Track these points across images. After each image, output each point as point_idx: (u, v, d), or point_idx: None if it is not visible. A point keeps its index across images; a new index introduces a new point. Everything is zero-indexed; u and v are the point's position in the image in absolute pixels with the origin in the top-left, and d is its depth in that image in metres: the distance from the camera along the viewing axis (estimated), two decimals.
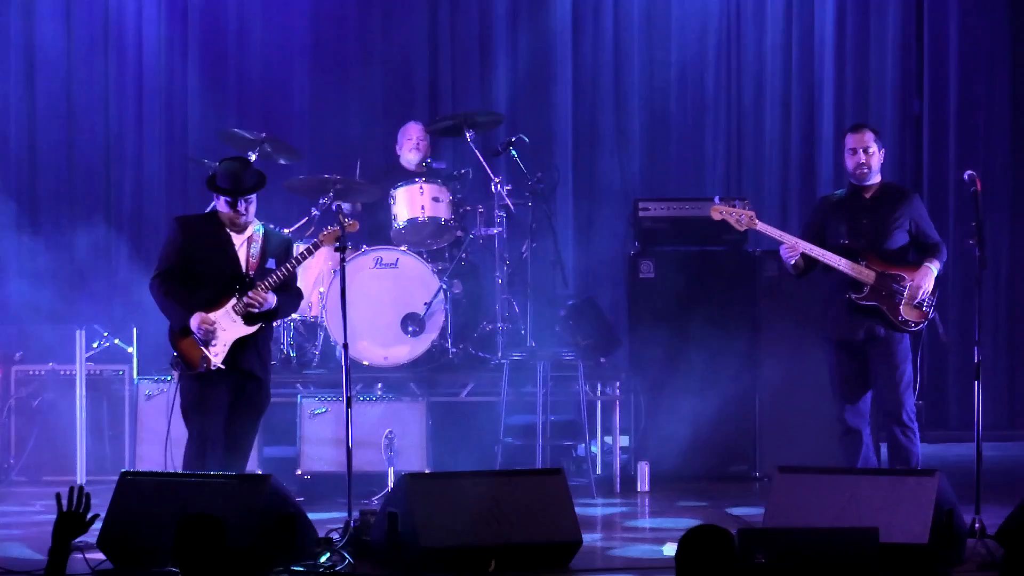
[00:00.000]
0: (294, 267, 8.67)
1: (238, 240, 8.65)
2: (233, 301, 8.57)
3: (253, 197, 8.63)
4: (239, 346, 8.57)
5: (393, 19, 13.33)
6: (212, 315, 8.54)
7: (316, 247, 8.83)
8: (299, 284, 11.04)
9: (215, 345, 8.53)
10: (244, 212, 8.58)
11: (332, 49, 13.30)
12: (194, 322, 8.53)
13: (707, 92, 13.50)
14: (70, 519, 5.79)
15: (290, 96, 13.27)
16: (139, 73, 13.05)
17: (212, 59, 13.17)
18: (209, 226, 8.69)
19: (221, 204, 8.62)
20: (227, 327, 8.57)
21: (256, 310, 8.56)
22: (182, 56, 13.13)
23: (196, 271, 8.62)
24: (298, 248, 9.11)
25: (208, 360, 8.52)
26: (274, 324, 9.12)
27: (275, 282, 8.59)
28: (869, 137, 9.24)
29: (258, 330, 8.61)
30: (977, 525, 8.26)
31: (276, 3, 13.24)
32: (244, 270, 8.61)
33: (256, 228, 8.71)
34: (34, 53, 12.93)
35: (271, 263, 8.66)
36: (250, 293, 8.53)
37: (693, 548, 5.59)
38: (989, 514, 8.33)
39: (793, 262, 9.17)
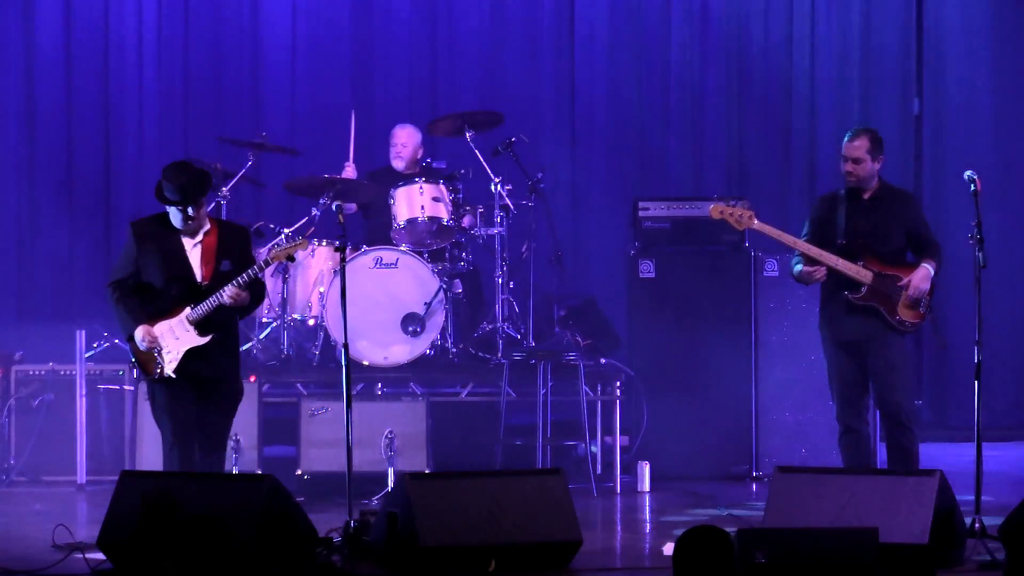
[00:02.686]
0: (251, 277, 8.53)
1: (190, 243, 8.52)
2: (187, 311, 8.49)
3: (201, 202, 8.50)
4: (194, 355, 8.52)
5: (393, 18, 13.33)
6: (165, 323, 8.46)
7: (267, 264, 8.71)
8: (297, 284, 11.15)
9: (169, 353, 8.49)
10: (195, 216, 8.50)
11: (332, 49, 13.30)
12: (138, 334, 8.48)
13: (707, 92, 13.51)
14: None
15: (290, 96, 13.27)
16: (139, 73, 13.05)
17: (212, 59, 13.17)
18: (162, 230, 8.54)
19: (172, 213, 8.50)
20: (180, 336, 8.48)
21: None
22: (182, 57, 13.14)
23: (150, 278, 8.53)
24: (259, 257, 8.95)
25: (162, 368, 8.50)
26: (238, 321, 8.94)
27: (229, 297, 8.48)
28: (860, 148, 9.20)
29: (211, 339, 8.54)
30: (977, 525, 8.25)
31: (276, 3, 13.24)
32: (199, 279, 8.53)
33: (206, 229, 8.59)
34: (34, 53, 12.93)
35: (225, 264, 8.54)
36: (227, 293, 8.43)
37: (691, 549, 5.60)
38: (989, 514, 8.33)
39: (818, 278, 9.15)
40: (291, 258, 8.78)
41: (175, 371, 8.47)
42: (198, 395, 8.53)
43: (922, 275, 9.16)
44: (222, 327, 8.55)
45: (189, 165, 8.60)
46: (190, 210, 8.43)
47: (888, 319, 9.13)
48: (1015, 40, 13.62)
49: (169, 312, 8.50)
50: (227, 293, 8.41)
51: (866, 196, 9.27)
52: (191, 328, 8.48)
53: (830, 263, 9.13)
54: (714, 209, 9.37)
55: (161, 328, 8.49)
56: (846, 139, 9.30)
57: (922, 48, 13.60)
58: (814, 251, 9.14)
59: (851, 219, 9.24)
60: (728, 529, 7.31)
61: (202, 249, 8.53)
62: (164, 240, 8.52)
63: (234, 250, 8.58)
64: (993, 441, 12.09)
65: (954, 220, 13.03)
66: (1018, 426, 13.34)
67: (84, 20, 13.02)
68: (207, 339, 8.48)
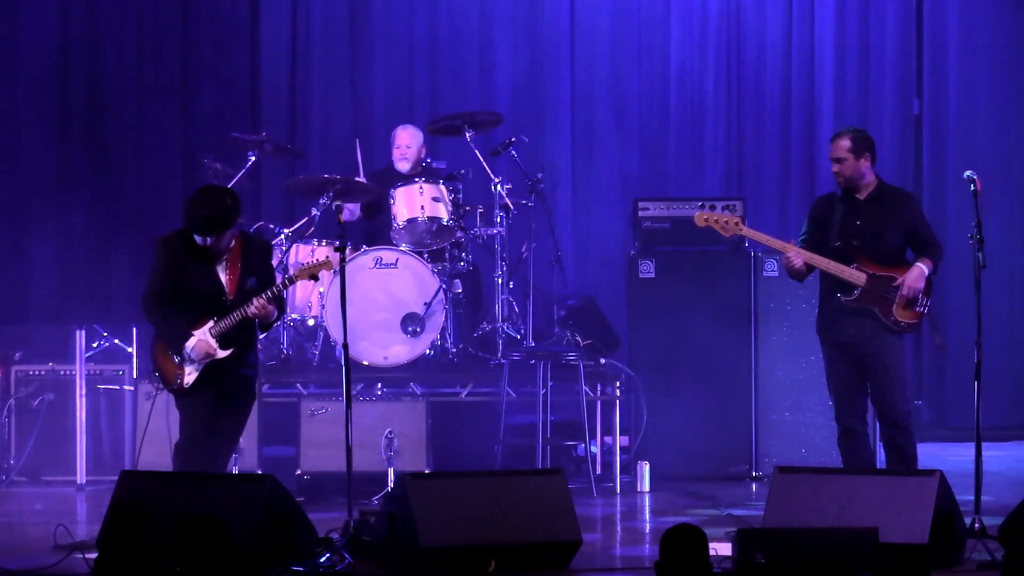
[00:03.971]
0: (277, 292, 8.55)
1: (216, 259, 8.55)
2: (211, 324, 8.50)
3: (226, 231, 8.48)
4: (215, 367, 8.52)
5: (393, 18, 13.33)
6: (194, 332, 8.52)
7: (292, 281, 8.75)
8: (297, 284, 11.12)
9: (191, 364, 8.51)
10: (215, 244, 8.46)
11: (332, 48, 13.29)
12: (196, 350, 8.48)
13: (707, 92, 13.51)
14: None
15: (290, 96, 13.26)
16: (140, 72, 13.04)
17: (213, 59, 13.16)
18: (190, 245, 8.53)
19: (196, 236, 8.49)
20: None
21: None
22: (183, 56, 13.12)
23: (178, 291, 8.54)
24: (278, 275, 9.02)
25: (181, 378, 8.51)
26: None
27: (257, 308, 8.49)
28: (842, 147, 9.22)
29: (232, 353, 8.56)
30: (977, 525, 8.26)
31: (276, 3, 13.23)
32: (225, 295, 8.55)
33: (230, 245, 8.58)
34: (33, 52, 12.91)
35: (251, 282, 8.55)
36: (255, 305, 8.45)
37: (670, 549, 5.62)
38: (989, 514, 8.33)
39: (797, 266, 9.17)
40: (315, 277, 8.81)
41: (194, 382, 8.49)
42: (217, 403, 8.57)
43: (915, 275, 9.15)
44: (244, 342, 8.57)
45: (218, 195, 8.53)
46: (209, 240, 8.42)
47: (884, 320, 9.12)
48: (1015, 40, 13.62)
49: (193, 325, 8.51)
50: (254, 305, 8.42)
51: (862, 197, 9.27)
52: (213, 342, 8.50)
53: (822, 266, 9.14)
54: (699, 217, 9.39)
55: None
56: (830, 140, 9.36)
57: (922, 48, 13.60)
58: (805, 254, 9.13)
59: (846, 220, 9.23)
60: (728, 529, 7.32)
61: (227, 266, 8.54)
62: (191, 256, 8.52)
63: (258, 266, 8.61)
64: (993, 441, 12.09)
65: (954, 220, 13.04)
66: (1018, 426, 13.34)
67: (83, 19, 13.00)
68: (228, 352, 8.50)
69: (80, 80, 13.01)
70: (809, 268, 9.24)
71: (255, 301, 8.43)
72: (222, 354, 8.51)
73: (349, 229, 11.48)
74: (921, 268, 9.16)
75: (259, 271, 8.61)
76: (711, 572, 5.80)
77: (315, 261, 8.88)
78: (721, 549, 7.54)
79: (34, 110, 12.95)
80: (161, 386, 8.70)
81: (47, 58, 12.94)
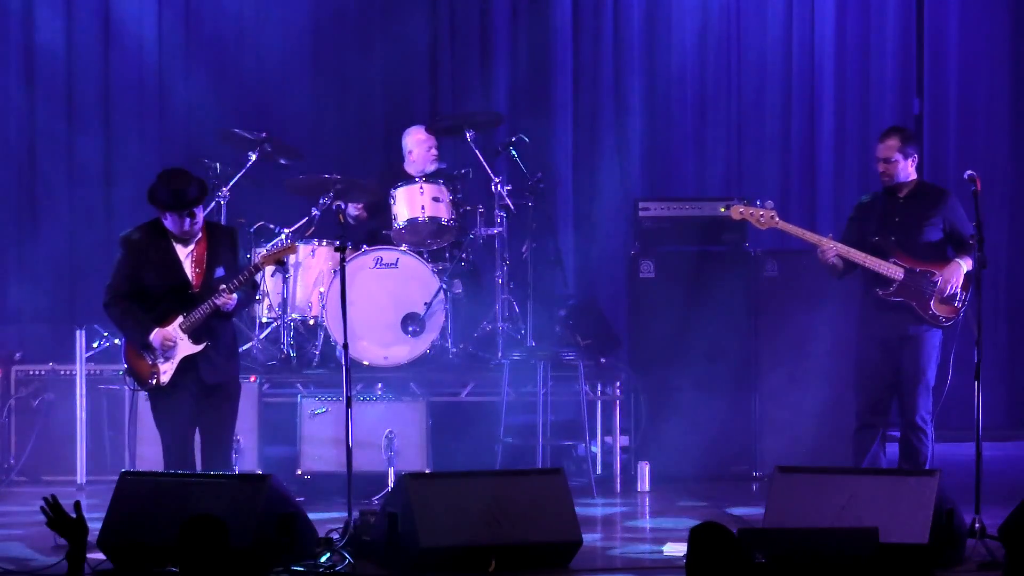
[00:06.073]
0: (242, 282, 8.54)
1: (184, 251, 8.51)
2: (180, 319, 8.47)
3: (199, 208, 8.49)
4: (191, 362, 8.50)
5: (393, 18, 13.32)
6: (160, 332, 8.50)
7: (257, 269, 8.72)
8: (297, 284, 11.15)
9: (163, 363, 8.48)
10: (190, 226, 8.47)
11: (332, 48, 13.29)
12: (156, 339, 8.47)
13: (707, 92, 13.50)
14: (66, 525, 5.77)
15: (290, 96, 13.25)
16: (140, 73, 13.03)
17: (212, 59, 13.16)
18: (154, 238, 8.52)
19: (167, 219, 8.47)
20: (175, 344, 8.52)
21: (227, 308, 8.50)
22: (183, 56, 13.12)
23: (144, 287, 8.52)
24: (250, 260, 9.00)
25: (157, 377, 8.48)
26: (234, 319, 8.93)
27: (222, 301, 8.46)
28: (891, 147, 9.36)
29: (207, 345, 8.53)
30: (977, 525, 8.27)
31: (276, 2, 13.23)
32: (191, 288, 8.52)
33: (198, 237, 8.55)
34: (34, 52, 12.91)
35: (219, 272, 8.54)
36: (219, 299, 8.41)
37: (704, 543, 5.63)
38: (989, 514, 8.33)
39: (832, 263, 9.25)
40: (280, 263, 8.80)
41: (170, 380, 8.47)
42: (199, 400, 8.53)
43: (952, 270, 9.25)
44: (216, 333, 8.54)
45: (186, 173, 8.58)
46: (187, 222, 8.40)
47: (921, 314, 9.22)
48: (1015, 40, 13.62)
49: (163, 321, 8.49)
50: (219, 299, 8.41)
51: (901, 195, 9.40)
52: (185, 336, 8.48)
53: (859, 260, 9.25)
54: (735, 210, 9.50)
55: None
56: (878, 140, 9.47)
57: (922, 48, 13.60)
58: (841, 248, 9.26)
59: (885, 217, 9.37)
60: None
61: (194, 256, 8.51)
62: (157, 249, 8.50)
63: (225, 254, 8.58)
64: (993, 441, 12.09)
65: None
66: (1018, 426, 13.34)
67: (85, 19, 13.00)
68: (201, 347, 8.48)
69: (83, 80, 13.00)
70: (848, 266, 9.31)
71: (219, 295, 8.40)
72: (195, 348, 8.49)
73: (355, 229, 11.52)
74: (959, 264, 9.27)
75: (226, 259, 8.58)
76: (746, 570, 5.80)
77: (281, 248, 8.86)
78: None
79: (39, 110, 12.94)
80: (137, 387, 8.67)
81: (53, 58, 12.94)
